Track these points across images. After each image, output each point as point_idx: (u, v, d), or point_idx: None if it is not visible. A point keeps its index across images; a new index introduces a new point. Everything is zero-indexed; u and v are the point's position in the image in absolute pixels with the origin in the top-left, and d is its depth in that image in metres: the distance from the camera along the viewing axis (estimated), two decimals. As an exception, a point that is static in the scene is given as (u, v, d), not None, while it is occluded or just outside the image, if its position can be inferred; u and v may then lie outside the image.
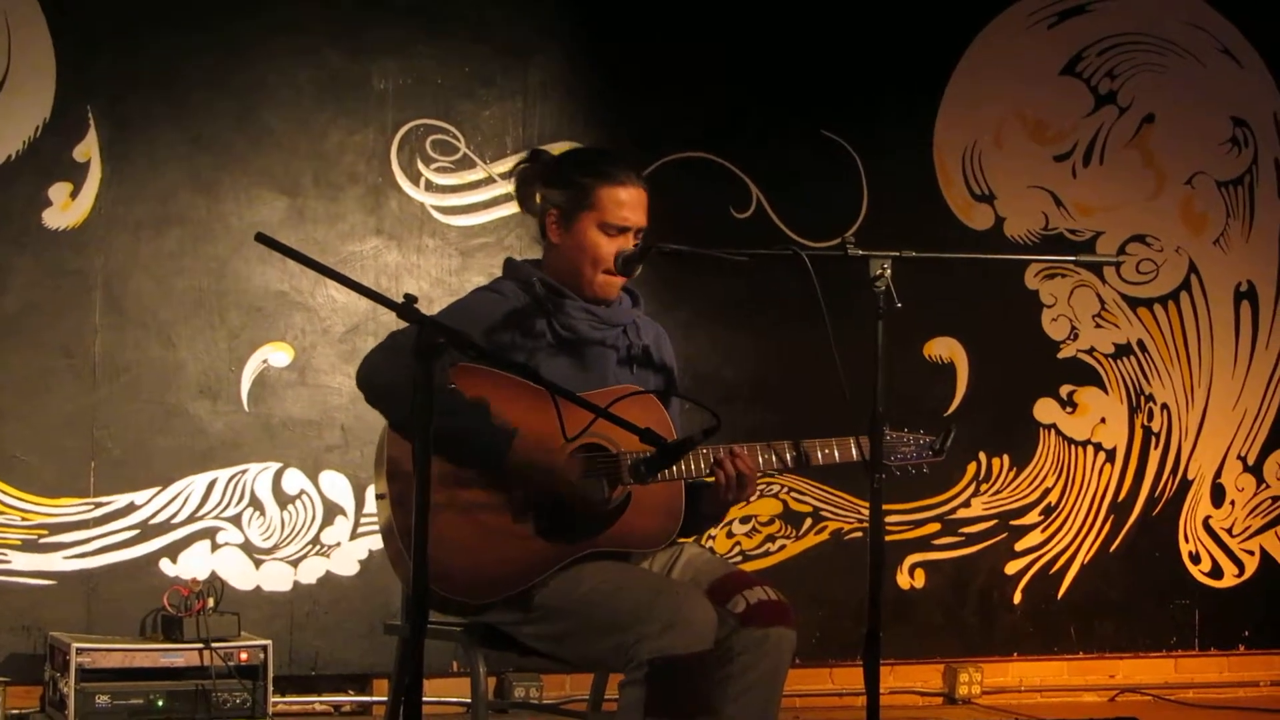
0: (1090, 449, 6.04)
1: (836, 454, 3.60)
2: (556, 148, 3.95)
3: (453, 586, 3.37)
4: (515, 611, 3.46)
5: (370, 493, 5.11)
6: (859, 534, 5.75)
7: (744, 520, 5.70)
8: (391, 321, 2.95)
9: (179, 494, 5.19)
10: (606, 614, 3.36)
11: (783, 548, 5.72)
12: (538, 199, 3.63)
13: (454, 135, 5.46)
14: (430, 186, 5.43)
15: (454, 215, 5.46)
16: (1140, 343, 6.08)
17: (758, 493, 5.61)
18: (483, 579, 3.41)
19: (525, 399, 3.42)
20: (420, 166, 5.42)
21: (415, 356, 2.84)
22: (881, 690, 3.39)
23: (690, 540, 3.72)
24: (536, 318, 3.56)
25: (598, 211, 3.55)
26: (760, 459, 3.57)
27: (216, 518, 5.22)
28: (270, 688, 4.87)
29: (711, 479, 3.54)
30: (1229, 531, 6.17)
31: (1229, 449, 6.19)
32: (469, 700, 3.68)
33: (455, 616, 3.53)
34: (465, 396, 3.39)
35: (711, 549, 5.43)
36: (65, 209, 5.12)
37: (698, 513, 3.62)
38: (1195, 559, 6.13)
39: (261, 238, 2.89)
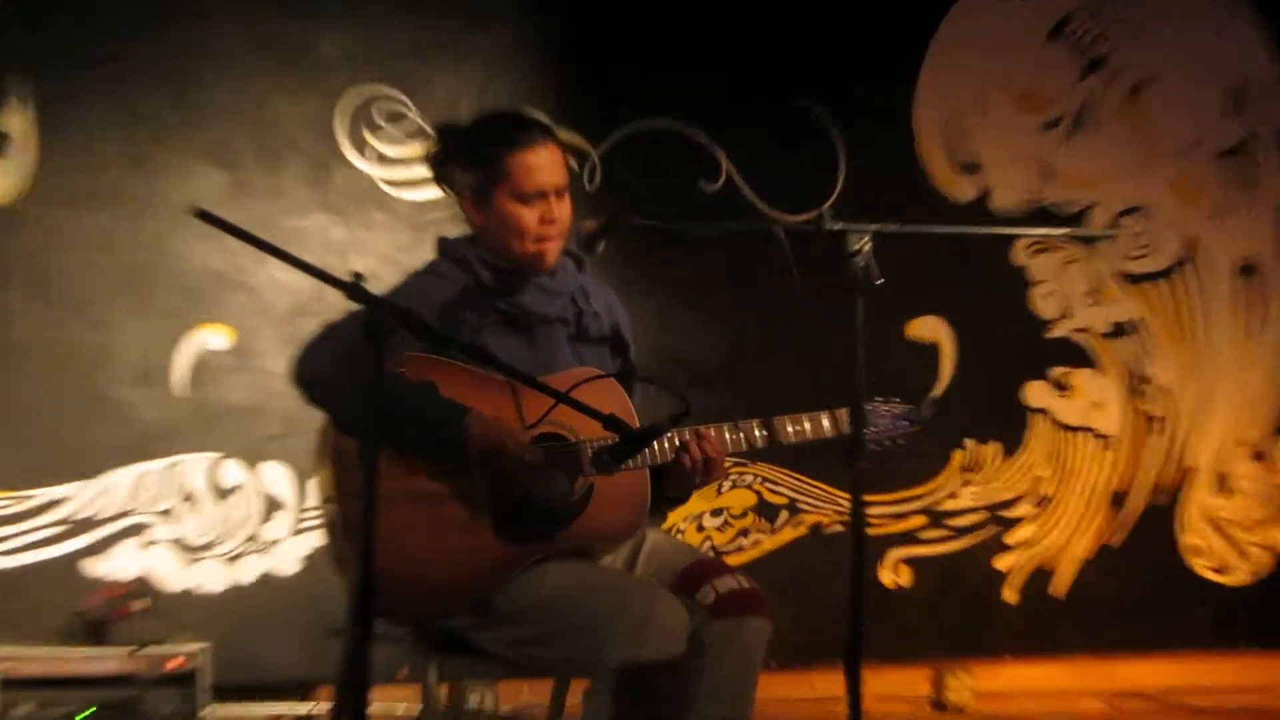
0: (1085, 435, 5.98)
1: (808, 429, 3.56)
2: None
3: (405, 596, 3.25)
4: (472, 615, 3.36)
5: (312, 485, 5.13)
6: (839, 527, 5.68)
7: (715, 513, 5.67)
8: (338, 301, 2.88)
9: (106, 487, 5.15)
10: (571, 617, 3.29)
11: (757, 543, 5.68)
12: (455, 179, 3.54)
13: (404, 103, 5.41)
14: (379, 158, 5.41)
15: (405, 189, 5.47)
16: (1137, 322, 6.02)
17: (730, 481, 5.59)
18: (438, 587, 3.31)
19: (476, 386, 3.33)
20: (367, 136, 5.40)
21: (365, 339, 2.75)
22: (864, 696, 3.26)
23: (654, 526, 3.60)
24: (479, 297, 3.48)
25: (510, 182, 3.46)
26: (728, 439, 3.52)
27: (147, 513, 5.18)
28: (205, 696, 4.82)
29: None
30: (1234, 523, 6.09)
31: (1233, 435, 6.10)
32: (420, 708, 3.70)
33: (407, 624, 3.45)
34: (411, 381, 3.28)
35: (678, 535, 5.46)
36: (-9, 184, 5.19)
37: (662, 496, 3.52)
38: (1199, 553, 6.06)
39: (200, 213, 2.77)
